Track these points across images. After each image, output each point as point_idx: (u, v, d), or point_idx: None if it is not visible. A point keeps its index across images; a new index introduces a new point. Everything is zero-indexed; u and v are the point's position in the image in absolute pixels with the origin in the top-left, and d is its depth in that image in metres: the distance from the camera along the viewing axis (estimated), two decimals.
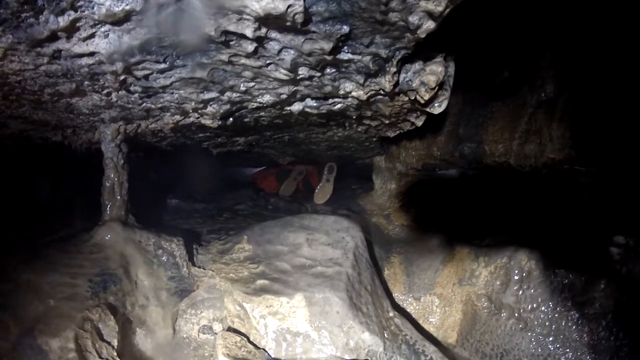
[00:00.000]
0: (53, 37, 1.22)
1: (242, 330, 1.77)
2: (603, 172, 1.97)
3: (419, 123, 1.95)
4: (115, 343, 1.56)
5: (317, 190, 3.36)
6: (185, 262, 1.96)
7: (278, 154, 3.28)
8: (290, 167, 3.75)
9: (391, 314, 1.93)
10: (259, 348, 1.69)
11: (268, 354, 1.68)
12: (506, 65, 2.22)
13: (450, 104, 2.29)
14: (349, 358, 1.69)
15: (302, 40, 1.22)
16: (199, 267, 2.01)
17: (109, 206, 2.00)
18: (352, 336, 1.71)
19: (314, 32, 1.18)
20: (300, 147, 2.96)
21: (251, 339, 1.73)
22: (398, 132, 2.23)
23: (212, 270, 1.97)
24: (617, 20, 1.76)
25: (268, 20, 1.12)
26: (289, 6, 1.05)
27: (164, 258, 1.93)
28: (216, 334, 1.80)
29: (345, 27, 1.17)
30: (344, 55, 1.33)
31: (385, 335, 1.78)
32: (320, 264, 1.96)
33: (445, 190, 2.91)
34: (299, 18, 1.08)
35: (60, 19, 1.15)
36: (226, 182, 4.17)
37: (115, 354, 1.53)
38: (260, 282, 1.86)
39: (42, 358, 1.38)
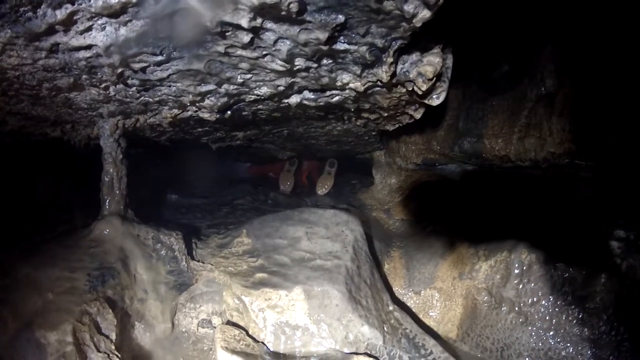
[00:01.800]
0: (51, 30, 1.22)
1: (241, 323, 1.77)
2: (603, 166, 1.96)
3: (418, 115, 1.94)
4: (113, 337, 1.56)
5: (318, 181, 3.62)
6: (184, 256, 1.96)
7: (277, 148, 3.28)
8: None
9: (391, 308, 1.93)
10: (257, 341, 1.69)
11: (267, 347, 1.68)
12: (506, 59, 2.21)
13: (450, 98, 2.30)
14: (348, 351, 1.69)
15: (298, 30, 1.22)
16: (198, 261, 2.02)
17: (107, 201, 2.00)
18: (351, 329, 1.71)
19: (309, 21, 1.17)
20: (300, 141, 2.95)
21: (250, 333, 1.73)
22: (397, 125, 2.22)
23: (211, 264, 1.97)
24: (617, 15, 1.74)
25: (263, 10, 1.11)
26: None
27: (162, 252, 1.93)
28: (215, 327, 1.80)
29: (340, 16, 1.16)
30: (340, 46, 1.32)
31: (385, 328, 1.78)
32: (320, 257, 1.95)
33: (445, 184, 2.91)
34: (294, 7, 1.08)
35: (57, 12, 1.15)
36: (226, 177, 4.19)
37: (113, 347, 1.52)
38: (259, 275, 1.86)
39: (40, 352, 1.38)
